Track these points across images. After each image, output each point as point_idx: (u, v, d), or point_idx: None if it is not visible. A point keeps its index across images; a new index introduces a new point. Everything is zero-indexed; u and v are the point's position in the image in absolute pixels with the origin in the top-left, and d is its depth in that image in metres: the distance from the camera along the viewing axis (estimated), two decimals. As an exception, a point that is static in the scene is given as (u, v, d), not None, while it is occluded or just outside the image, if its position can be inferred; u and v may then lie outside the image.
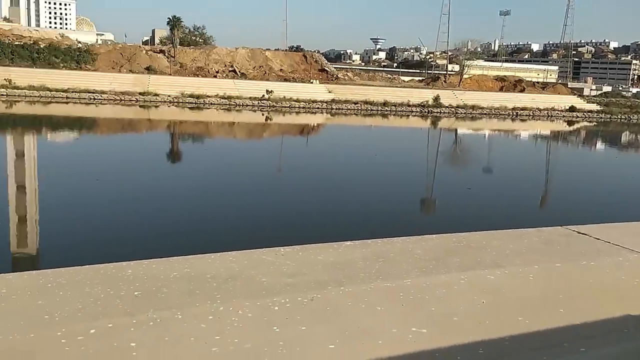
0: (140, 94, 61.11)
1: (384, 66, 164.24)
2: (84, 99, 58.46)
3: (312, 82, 77.68)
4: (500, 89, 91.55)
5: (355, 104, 68.53)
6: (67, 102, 56.85)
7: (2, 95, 56.36)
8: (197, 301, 3.90)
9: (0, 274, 5.02)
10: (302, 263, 5.12)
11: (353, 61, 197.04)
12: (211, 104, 62.47)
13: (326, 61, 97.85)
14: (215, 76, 77.30)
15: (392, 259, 5.15)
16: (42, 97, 57.17)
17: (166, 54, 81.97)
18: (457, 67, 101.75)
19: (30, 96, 56.99)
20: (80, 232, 14.75)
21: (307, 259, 5.35)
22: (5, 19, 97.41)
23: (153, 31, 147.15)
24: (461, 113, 72.21)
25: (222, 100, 63.25)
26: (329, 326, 3.46)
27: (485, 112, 74.10)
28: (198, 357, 3.04)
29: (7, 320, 3.50)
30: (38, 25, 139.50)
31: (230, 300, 3.92)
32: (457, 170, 34.33)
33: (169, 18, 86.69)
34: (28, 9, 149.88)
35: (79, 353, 3.06)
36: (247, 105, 63.78)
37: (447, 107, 72.27)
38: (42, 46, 75.98)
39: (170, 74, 74.06)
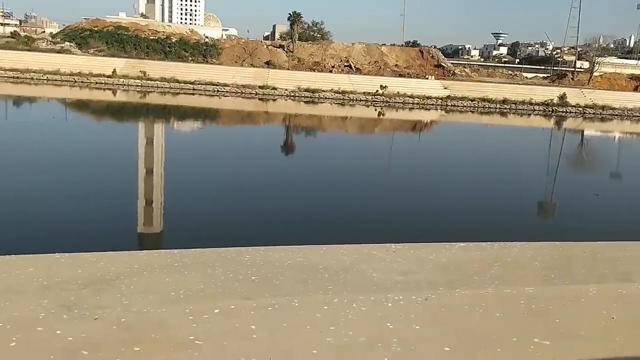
0: (259, 87, 63.56)
1: (505, 62, 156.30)
2: (209, 91, 61.98)
3: (427, 78, 76.23)
4: (635, 89, 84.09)
5: (471, 101, 66.27)
6: (193, 94, 60.55)
7: (138, 85, 61.34)
8: (310, 290, 4.00)
9: (130, 251, 5.47)
10: (413, 261, 5.07)
11: (472, 57, 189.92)
12: (325, 98, 63.49)
13: (443, 57, 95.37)
14: (330, 71, 78.40)
15: (509, 265, 4.95)
16: (171, 88, 61.44)
17: (285, 49, 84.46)
18: (586, 64, 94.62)
19: (162, 87, 61.46)
20: (202, 215, 15.67)
21: (419, 257, 5.29)
22: (142, 15, 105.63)
23: (274, 26, 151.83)
24: (589, 113, 67.27)
25: (336, 94, 64.06)
26: (444, 328, 3.38)
27: (616, 113, 68.42)
28: (314, 345, 3.10)
29: (140, 294, 3.81)
30: (170, 21, 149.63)
31: (342, 292, 3.97)
32: (584, 174, 32.07)
33: (289, 14, 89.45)
34: (162, 5, 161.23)
35: (205, 330, 3.25)
36: (360, 100, 64.05)
37: (574, 106, 67.69)
38: (173, 41, 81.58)
39: (288, 69, 76.26)
